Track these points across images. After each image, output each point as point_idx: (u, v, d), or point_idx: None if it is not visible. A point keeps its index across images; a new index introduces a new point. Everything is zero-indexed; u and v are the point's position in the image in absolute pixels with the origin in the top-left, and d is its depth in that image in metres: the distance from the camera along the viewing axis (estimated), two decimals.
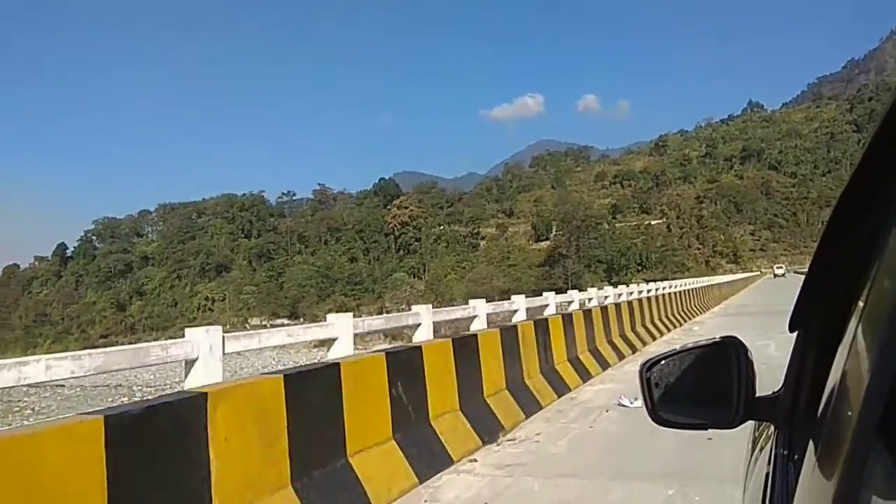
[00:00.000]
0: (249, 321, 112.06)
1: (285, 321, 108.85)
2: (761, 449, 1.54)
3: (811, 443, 0.96)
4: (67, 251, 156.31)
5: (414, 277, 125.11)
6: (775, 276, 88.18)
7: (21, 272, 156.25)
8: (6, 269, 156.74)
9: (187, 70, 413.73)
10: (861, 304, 0.79)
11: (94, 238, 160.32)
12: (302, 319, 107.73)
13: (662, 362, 1.39)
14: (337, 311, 8.02)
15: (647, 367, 1.40)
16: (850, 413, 0.66)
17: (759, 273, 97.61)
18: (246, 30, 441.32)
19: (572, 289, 18.42)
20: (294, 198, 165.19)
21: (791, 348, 1.37)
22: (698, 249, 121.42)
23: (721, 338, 1.33)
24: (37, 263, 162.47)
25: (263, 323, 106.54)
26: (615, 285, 25.02)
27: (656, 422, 1.37)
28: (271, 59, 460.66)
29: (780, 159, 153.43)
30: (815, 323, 1.24)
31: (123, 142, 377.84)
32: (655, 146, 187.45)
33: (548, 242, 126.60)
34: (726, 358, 1.29)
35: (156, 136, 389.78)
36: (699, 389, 1.37)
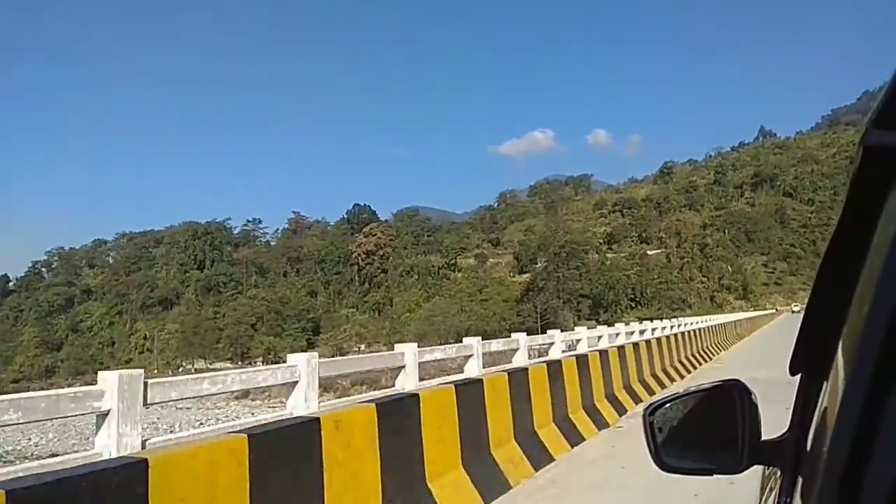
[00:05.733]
0: (182, 365, 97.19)
1: (226, 364, 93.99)
2: (770, 490, 1.48)
3: (803, 483, 0.96)
4: (10, 283, 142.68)
5: (378, 314, 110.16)
6: (793, 312, 77.24)
7: None
8: None
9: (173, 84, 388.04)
10: (840, 343, 0.81)
11: (43, 269, 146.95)
12: (241, 363, 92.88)
13: (666, 406, 1.33)
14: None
15: (650, 411, 1.33)
16: (824, 450, 0.67)
17: (773, 311, 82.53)
18: (231, 46, 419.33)
19: (543, 329, 11.56)
20: (261, 226, 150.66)
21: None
22: (702, 283, 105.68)
23: (724, 381, 1.28)
24: None
25: (188, 367, 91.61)
26: (608, 324, 19.06)
27: (660, 467, 1.30)
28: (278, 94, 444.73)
29: (796, 185, 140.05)
30: (812, 365, 1.22)
31: (97, 163, 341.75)
32: (660, 174, 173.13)
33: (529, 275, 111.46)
34: (730, 401, 1.23)
35: (127, 158, 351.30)
36: (704, 434, 1.30)
